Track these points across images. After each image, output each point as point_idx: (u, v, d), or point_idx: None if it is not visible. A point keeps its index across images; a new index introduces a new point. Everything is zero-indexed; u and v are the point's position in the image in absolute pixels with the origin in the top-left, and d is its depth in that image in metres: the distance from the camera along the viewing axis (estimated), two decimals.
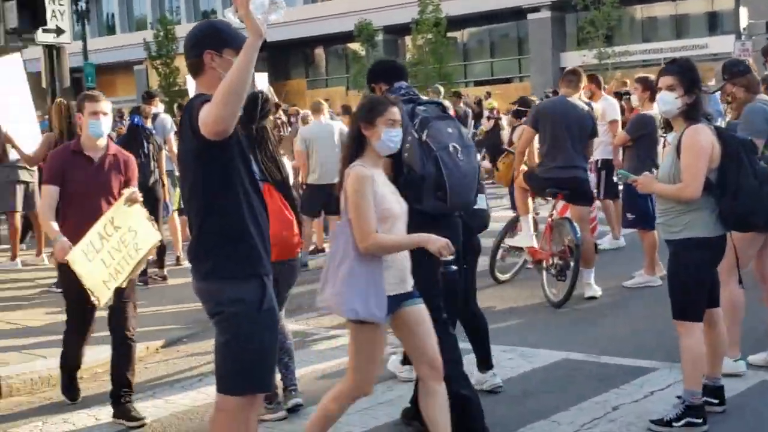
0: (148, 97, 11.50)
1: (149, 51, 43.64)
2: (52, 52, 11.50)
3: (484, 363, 5.60)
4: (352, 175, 4.05)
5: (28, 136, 10.41)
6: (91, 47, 52.29)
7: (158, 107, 11.51)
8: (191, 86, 17.19)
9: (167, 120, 11.07)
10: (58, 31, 11.40)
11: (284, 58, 51.08)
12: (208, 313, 3.70)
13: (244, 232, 3.57)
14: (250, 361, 3.57)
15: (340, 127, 10.89)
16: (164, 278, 10.14)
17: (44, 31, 11.17)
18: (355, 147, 4.17)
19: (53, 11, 11.31)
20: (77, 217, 5.36)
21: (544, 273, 8.30)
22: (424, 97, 5.02)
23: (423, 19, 36.83)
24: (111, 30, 55.80)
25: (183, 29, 48.14)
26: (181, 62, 43.35)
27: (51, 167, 5.58)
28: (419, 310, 4.18)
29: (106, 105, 5.54)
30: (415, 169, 4.45)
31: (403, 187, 4.25)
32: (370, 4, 43.19)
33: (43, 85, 11.52)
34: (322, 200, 10.63)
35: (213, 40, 3.61)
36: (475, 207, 4.96)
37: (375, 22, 40.08)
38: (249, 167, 3.68)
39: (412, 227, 4.17)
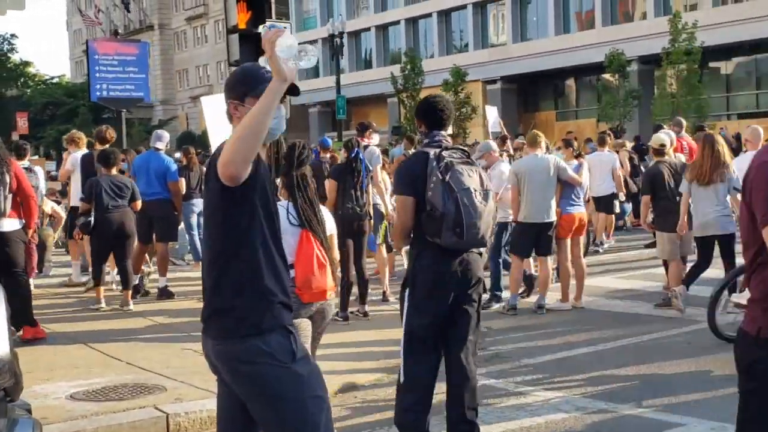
0: (362, 129, 11.33)
1: (395, 84, 44.51)
2: None
3: None
4: None
5: None
6: (349, 81, 54.64)
7: (373, 139, 11.31)
8: (490, 115, 17.31)
9: (374, 151, 10.83)
10: None
11: (534, 89, 50.47)
12: (231, 374, 3.43)
13: (261, 283, 3.35)
14: (312, 414, 3.37)
15: (557, 161, 10.14)
16: (365, 315, 9.87)
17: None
18: None
19: None
20: None
21: None
22: (454, 144, 5.34)
23: (675, 48, 34.63)
24: (368, 64, 57.70)
25: (434, 63, 49.01)
26: (425, 94, 43.94)
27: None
28: None
29: None
30: (437, 206, 4.91)
31: (423, 222, 4.93)
32: (623, 33, 41.59)
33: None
34: (532, 239, 10.01)
35: (238, 87, 3.47)
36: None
37: (628, 52, 38.40)
38: (270, 215, 3.43)
39: (428, 258, 4.95)
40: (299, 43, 3.16)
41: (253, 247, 3.33)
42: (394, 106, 48.91)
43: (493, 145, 11.63)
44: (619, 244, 15.93)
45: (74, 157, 11.73)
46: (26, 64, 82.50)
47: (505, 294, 10.44)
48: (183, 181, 12.16)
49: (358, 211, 9.77)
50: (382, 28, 56.91)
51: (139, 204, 10.41)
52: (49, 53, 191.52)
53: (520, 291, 10.38)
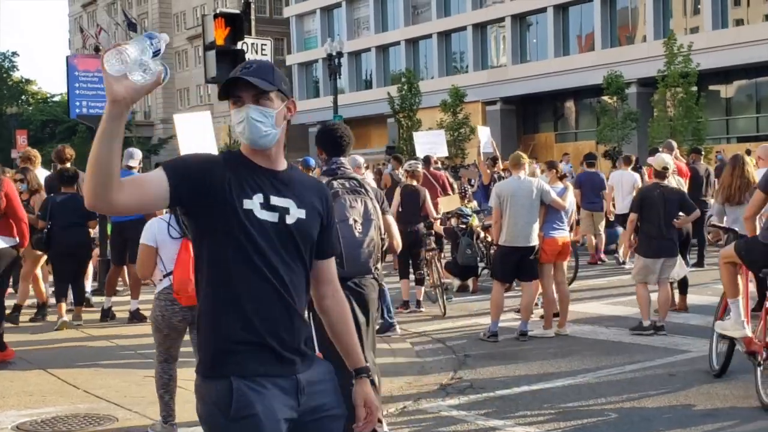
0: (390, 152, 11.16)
1: (392, 105, 44.35)
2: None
3: None
4: None
5: None
6: (349, 101, 54.51)
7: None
8: (482, 135, 17.06)
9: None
10: None
11: (533, 110, 50.31)
12: None
13: (215, 320, 2.96)
14: None
15: (540, 184, 9.83)
16: None
17: None
18: None
19: None
20: None
21: (759, 370, 6.80)
22: (350, 172, 5.39)
23: (671, 71, 34.34)
24: (368, 84, 57.60)
25: (434, 84, 48.87)
26: (423, 115, 43.77)
27: None
28: None
29: None
30: None
31: None
32: (622, 56, 41.46)
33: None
34: (514, 264, 9.71)
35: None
36: None
37: (627, 74, 38.17)
38: (250, 242, 2.95)
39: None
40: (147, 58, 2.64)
41: (213, 276, 2.97)
42: (393, 126, 48.74)
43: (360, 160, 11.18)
44: (608, 269, 15.61)
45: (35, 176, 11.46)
46: (28, 81, 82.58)
47: (487, 320, 10.12)
48: None
49: None
50: (382, 49, 56.84)
51: (94, 223, 10.78)
52: (51, 71, 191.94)
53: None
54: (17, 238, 8.67)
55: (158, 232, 6.03)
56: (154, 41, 2.67)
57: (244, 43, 10.90)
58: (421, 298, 11.86)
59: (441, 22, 52.35)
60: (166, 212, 6.05)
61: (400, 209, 11.60)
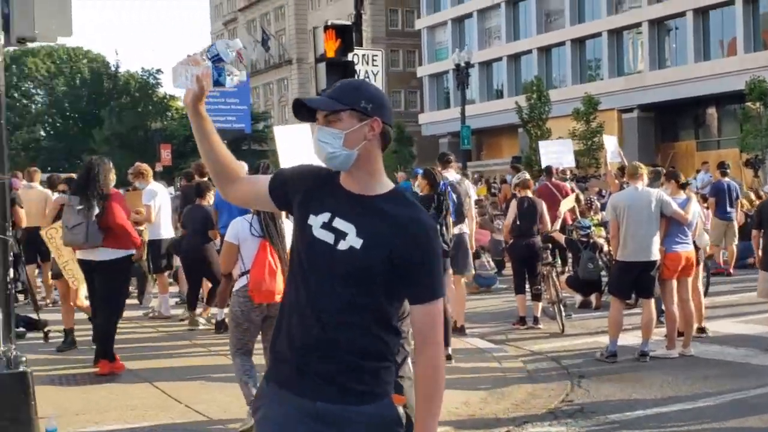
0: (443, 160, 10.98)
1: (520, 114, 43.63)
2: None
3: None
4: None
5: None
6: (480, 111, 54.12)
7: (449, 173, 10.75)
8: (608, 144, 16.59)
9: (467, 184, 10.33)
10: None
11: (672, 118, 48.49)
12: None
13: (277, 321, 3.05)
14: None
15: (660, 195, 9.29)
16: (449, 358, 9.27)
17: None
18: None
19: (366, 72, 11.11)
20: None
21: None
22: None
23: None
24: (499, 94, 57.01)
25: (567, 92, 47.88)
26: (554, 124, 42.86)
27: None
28: None
29: None
30: None
31: None
32: (766, 60, 39.40)
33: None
34: (632, 280, 9.21)
35: None
36: None
37: None
38: (304, 258, 2.95)
39: None
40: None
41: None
42: (524, 136, 47.98)
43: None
44: (742, 284, 14.71)
45: (148, 190, 11.64)
46: (172, 98, 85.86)
47: (607, 338, 9.63)
48: None
49: (445, 248, 9.25)
50: (514, 58, 56.12)
51: (214, 233, 11.15)
52: None
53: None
54: (131, 249, 8.85)
55: (240, 230, 6.62)
56: (212, 48, 3.02)
57: (355, 54, 10.81)
58: (539, 314, 11.45)
59: (575, 29, 51.23)
60: (251, 213, 6.65)
61: (516, 222, 11.26)
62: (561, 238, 12.61)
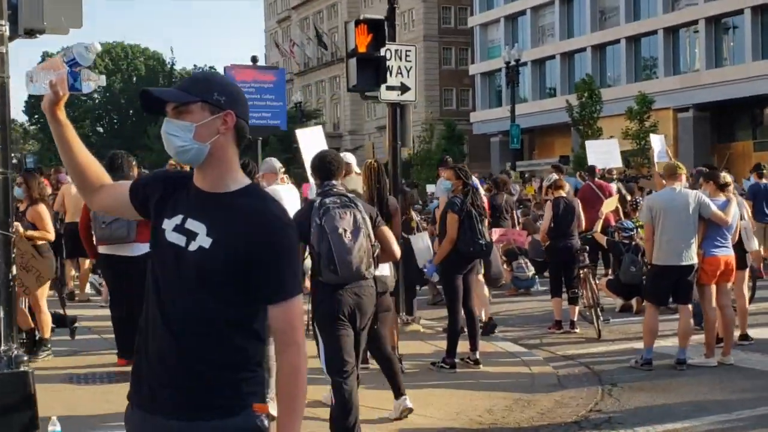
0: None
1: (571, 113, 42.93)
2: (396, 110, 10.99)
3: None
4: None
5: None
6: (532, 110, 53.53)
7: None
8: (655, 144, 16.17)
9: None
10: (403, 89, 10.91)
11: (729, 117, 47.38)
12: None
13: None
14: None
15: (698, 196, 8.89)
16: (476, 362, 9.00)
17: (388, 88, 10.74)
18: None
19: (399, 68, 10.86)
20: None
21: None
22: (342, 190, 5.99)
23: None
24: (552, 92, 56.28)
25: (621, 91, 47.04)
26: (606, 123, 42.10)
27: None
28: None
29: None
30: (315, 247, 5.68)
31: (313, 263, 5.79)
32: None
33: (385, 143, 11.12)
34: (669, 285, 8.84)
35: None
36: (378, 274, 6.22)
37: None
38: (157, 265, 2.80)
39: (321, 294, 5.83)
40: None
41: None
42: (577, 136, 47.31)
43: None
44: None
45: None
46: None
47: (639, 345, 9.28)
48: None
49: (483, 249, 8.98)
50: (567, 56, 55.33)
51: None
52: None
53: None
54: None
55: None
56: (69, 52, 2.91)
57: (387, 49, 10.57)
58: (575, 318, 11.10)
59: (630, 26, 50.31)
60: None
61: (551, 224, 10.93)
62: (602, 239, 12.23)
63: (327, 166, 6.03)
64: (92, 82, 3.06)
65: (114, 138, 77.38)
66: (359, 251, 5.68)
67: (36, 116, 79.21)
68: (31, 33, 6.06)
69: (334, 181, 6.01)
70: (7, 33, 5.81)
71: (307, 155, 8.84)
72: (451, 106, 68.40)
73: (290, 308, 2.69)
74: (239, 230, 2.64)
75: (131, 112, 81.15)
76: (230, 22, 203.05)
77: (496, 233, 14.01)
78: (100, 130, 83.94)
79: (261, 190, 2.86)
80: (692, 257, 8.75)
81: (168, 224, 2.74)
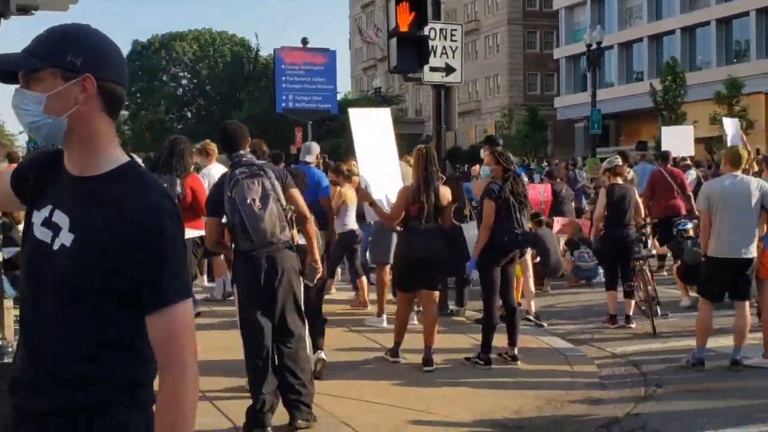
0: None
1: (654, 97, 41.46)
2: (440, 91, 10.51)
3: None
4: None
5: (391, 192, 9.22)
6: (619, 94, 52.09)
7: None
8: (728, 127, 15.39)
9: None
10: (448, 70, 10.42)
11: None
12: None
13: None
14: None
15: (762, 185, 8.19)
16: (513, 358, 8.52)
17: (432, 69, 10.26)
18: None
19: (444, 48, 10.38)
20: None
21: None
22: (251, 160, 6.11)
23: None
24: (639, 76, 54.64)
25: (710, 74, 45.29)
26: (691, 108, 40.55)
27: None
28: None
29: None
30: (229, 219, 5.93)
31: (231, 234, 6.01)
32: None
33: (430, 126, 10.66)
34: (726, 279, 8.18)
35: None
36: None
37: None
38: (25, 264, 2.39)
39: (240, 262, 6.10)
40: None
41: None
42: (662, 121, 45.80)
43: None
44: None
45: (209, 170, 10.51)
46: None
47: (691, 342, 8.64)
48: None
49: (518, 239, 8.47)
50: (655, 38, 53.59)
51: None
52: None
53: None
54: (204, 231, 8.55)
55: None
56: None
57: (431, 28, 10.10)
58: (631, 313, 10.47)
59: (721, 7, 48.41)
60: None
61: (605, 212, 10.32)
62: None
63: (230, 137, 6.14)
64: None
65: (201, 123, 78.47)
66: (271, 217, 5.90)
67: None
68: (24, 10, 5.82)
69: (241, 151, 6.11)
70: None
71: (361, 142, 8.42)
72: (535, 91, 67.13)
73: (171, 318, 2.19)
74: (107, 224, 2.19)
75: (218, 98, 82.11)
76: (315, 7, 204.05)
77: (558, 223, 13.45)
78: (189, 115, 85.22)
79: (139, 170, 2.36)
80: (751, 250, 8.07)
81: (37, 217, 2.30)
